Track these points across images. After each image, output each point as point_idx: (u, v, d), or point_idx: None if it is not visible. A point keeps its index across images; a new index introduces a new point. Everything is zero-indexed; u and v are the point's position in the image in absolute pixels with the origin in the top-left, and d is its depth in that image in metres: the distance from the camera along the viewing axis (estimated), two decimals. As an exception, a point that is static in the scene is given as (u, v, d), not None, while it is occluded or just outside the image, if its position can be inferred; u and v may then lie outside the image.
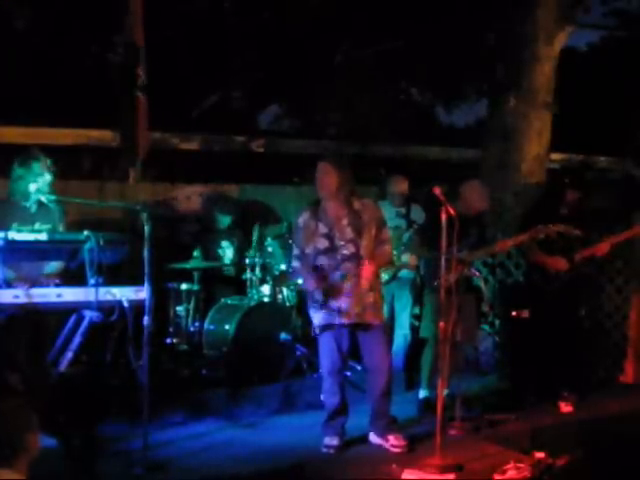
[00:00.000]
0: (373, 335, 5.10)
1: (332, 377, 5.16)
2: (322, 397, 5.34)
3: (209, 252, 7.21)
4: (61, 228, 5.33)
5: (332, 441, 5.03)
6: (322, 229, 5.02)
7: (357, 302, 4.99)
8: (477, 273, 6.27)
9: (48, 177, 5.21)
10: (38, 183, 5.15)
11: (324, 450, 5.01)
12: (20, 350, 4.88)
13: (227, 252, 7.41)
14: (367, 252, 4.98)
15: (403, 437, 5.06)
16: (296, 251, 5.17)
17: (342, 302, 4.99)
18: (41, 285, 4.84)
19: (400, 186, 7.05)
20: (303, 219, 5.11)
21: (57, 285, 4.97)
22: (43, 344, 5.03)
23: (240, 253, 7.28)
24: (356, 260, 4.97)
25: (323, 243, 5.02)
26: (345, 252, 4.98)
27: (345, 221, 5.01)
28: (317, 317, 5.11)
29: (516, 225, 6.59)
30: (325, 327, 5.09)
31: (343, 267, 4.98)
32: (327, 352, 5.14)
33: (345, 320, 5.01)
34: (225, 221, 7.52)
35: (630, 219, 6.58)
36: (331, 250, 4.99)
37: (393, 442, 5.03)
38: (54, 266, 5.14)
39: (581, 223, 6.09)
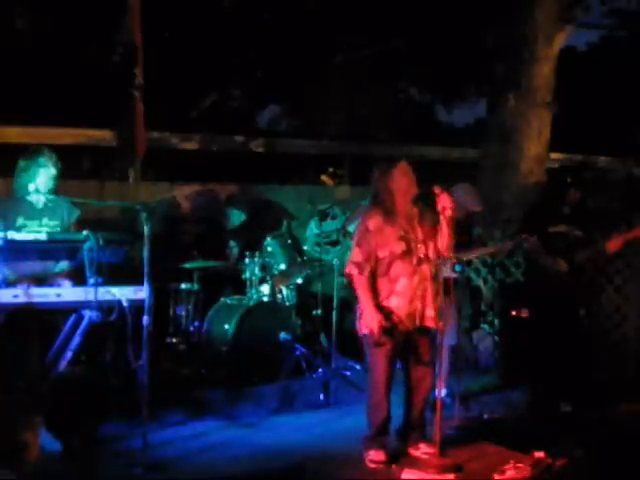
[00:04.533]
0: (429, 339, 4.93)
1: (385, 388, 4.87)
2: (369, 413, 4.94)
3: (216, 251, 7.19)
4: (72, 227, 5.31)
5: (378, 455, 4.79)
6: (398, 231, 4.72)
7: (429, 306, 4.80)
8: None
9: (52, 171, 5.19)
10: (39, 180, 5.14)
11: (371, 466, 4.76)
12: (20, 350, 4.87)
13: (234, 252, 7.40)
14: (436, 253, 4.77)
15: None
16: (359, 257, 4.68)
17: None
18: (51, 284, 4.84)
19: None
20: (374, 222, 4.72)
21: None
22: (42, 344, 5.03)
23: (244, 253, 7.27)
24: (428, 263, 4.76)
25: (400, 246, 4.70)
26: (420, 255, 4.74)
27: (416, 221, 4.80)
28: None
29: (517, 225, 6.58)
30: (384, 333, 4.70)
31: (419, 271, 4.75)
32: (383, 360, 4.79)
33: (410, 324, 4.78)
34: (236, 220, 7.50)
35: (631, 219, 6.57)
36: (407, 253, 4.71)
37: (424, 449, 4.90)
38: (64, 264, 5.11)
39: (583, 223, 6.09)
